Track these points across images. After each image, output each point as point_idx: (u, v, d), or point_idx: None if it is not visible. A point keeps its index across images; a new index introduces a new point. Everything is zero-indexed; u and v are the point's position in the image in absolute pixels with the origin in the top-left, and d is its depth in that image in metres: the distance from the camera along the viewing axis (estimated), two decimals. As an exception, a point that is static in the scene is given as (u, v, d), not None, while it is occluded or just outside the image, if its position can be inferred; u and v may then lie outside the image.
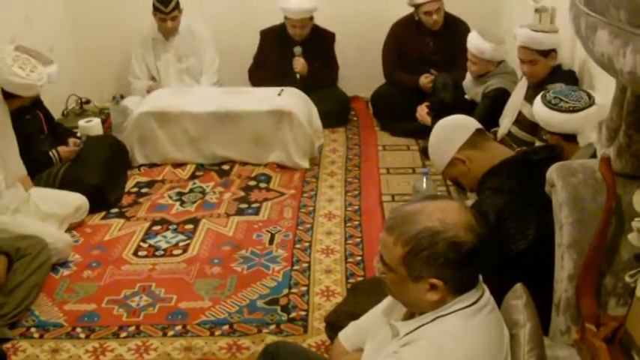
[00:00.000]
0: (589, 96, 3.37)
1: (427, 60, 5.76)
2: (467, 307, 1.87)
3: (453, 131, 2.98)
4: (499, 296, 2.04)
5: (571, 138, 3.44)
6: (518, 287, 2.12)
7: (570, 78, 4.20)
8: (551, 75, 4.21)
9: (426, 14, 5.65)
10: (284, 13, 5.84)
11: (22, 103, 4.27)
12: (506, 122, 4.45)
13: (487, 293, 1.93)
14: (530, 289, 2.11)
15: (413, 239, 1.83)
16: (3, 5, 5.25)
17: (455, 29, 5.68)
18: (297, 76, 5.83)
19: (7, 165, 4.07)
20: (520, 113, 4.30)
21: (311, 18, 5.88)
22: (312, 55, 5.91)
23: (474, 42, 4.92)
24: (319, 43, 5.99)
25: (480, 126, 3.00)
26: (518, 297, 2.07)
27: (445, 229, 1.82)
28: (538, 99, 3.47)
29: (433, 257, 1.82)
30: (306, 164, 5.12)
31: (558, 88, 3.54)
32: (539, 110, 3.44)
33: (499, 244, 2.57)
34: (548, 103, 3.39)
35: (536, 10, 4.93)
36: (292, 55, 5.86)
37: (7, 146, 4.13)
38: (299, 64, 5.83)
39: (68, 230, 4.24)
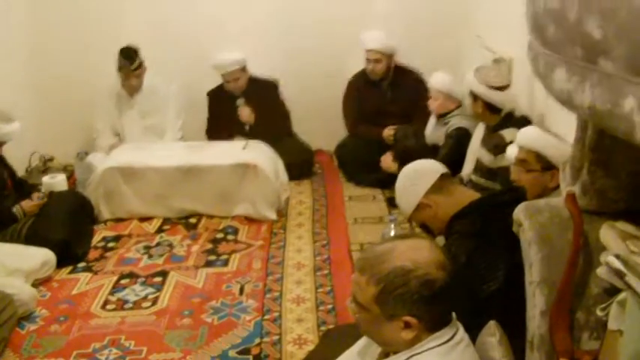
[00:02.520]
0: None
1: (385, 111, 5.86)
2: (442, 344, 1.88)
3: (418, 176, 3.03)
4: (472, 336, 2.05)
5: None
6: (492, 325, 2.14)
7: (523, 124, 4.26)
8: (505, 120, 4.26)
9: (367, 61, 5.81)
10: (216, 70, 5.93)
11: None
12: (467, 170, 4.51)
13: (461, 330, 1.95)
14: (503, 328, 2.13)
15: (385, 278, 1.85)
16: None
17: (407, 79, 5.82)
18: (246, 126, 5.87)
19: None
20: (478, 160, 4.35)
21: (243, 69, 5.95)
22: (257, 104, 5.93)
23: (436, 76, 5.03)
24: (260, 92, 6.03)
25: (445, 170, 3.05)
26: (492, 334, 2.10)
27: (417, 267, 1.84)
28: (538, 131, 3.34)
29: (406, 295, 1.83)
30: (273, 216, 5.13)
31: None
32: (548, 139, 3.25)
33: (470, 285, 2.60)
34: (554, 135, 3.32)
35: (495, 61, 5.04)
36: (235, 107, 5.92)
37: None
38: (244, 113, 5.88)
39: (35, 285, 4.17)
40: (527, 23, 1.80)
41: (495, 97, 4.22)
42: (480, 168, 4.29)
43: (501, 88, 4.23)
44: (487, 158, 4.19)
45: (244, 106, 5.89)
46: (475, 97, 4.29)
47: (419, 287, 1.83)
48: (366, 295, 1.89)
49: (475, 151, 4.43)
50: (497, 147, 4.13)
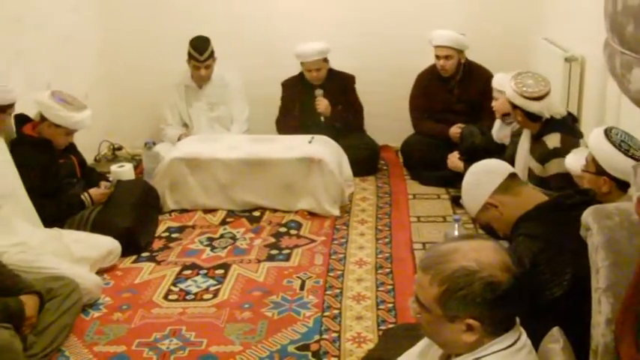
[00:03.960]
0: None
1: (452, 109, 5.82)
2: (504, 349, 1.84)
3: (485, 176, 2.97)
4: (534, 342, 2.01)
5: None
6: (555, 331, 2.09)
7: (566, 125, 4.17)
8: (547, 126, 4.18)
9: (437, 58, 5.76)
10: (298, 59, 5.92)
11: (5, 121, 4.28)
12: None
13: (524, 336, 1.91)
14: (566, 335, 2.08)
15: (448, 278, 1.82)
16: (39, 52, 5.35)
17: (476, 77, 5.74)
18: (322, 118, 5.87)
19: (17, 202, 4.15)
20: (530, 170, 4.26)
21: (325, 60, 5.94)
22: (333, 97, 5.94)
23: (497, 77, 4.95)
24: (338, 85, 6.04)
25: (512, 170, 2.99)
26: (556, 341, 2.05)
27: (481, 269, 1.81)
28: (601, 136, 3.25)
29: (469, 297, 1.80)
30: (336, 212, 5.12)
31: (620, 131, 3.38)
32: (604, 147, 3.21)
33: (534, 290, 2.54)
34: (617, 145, 3.25)
35: (566, 60, 4.95)
36: (314, 98, 5.90)
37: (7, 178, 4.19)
38: (322, 104, 5.87)
39: (99, 273, 4.24)
40: (605, 21, 1.74)
41: (533, 106, 4.13)
42: (532, 177, 4.21)
43: (539, 98, 4.14)
44: (537, 168, 4.12)
45: (322, 97, 5.89)
46: (514, 106, 4.22)
47: (483, 289, 1.80)
48: (428, 295, 1.86)
49: (523, 158, 4.35)
50: (542, 155, 4.07)
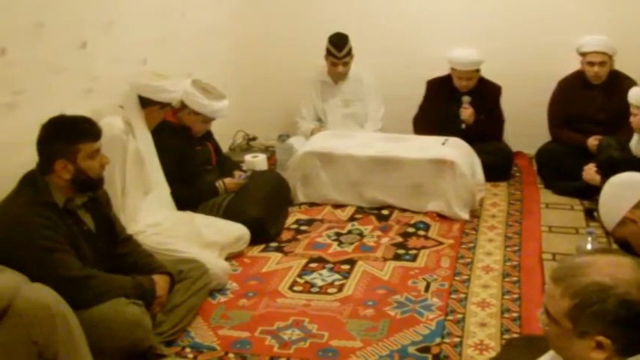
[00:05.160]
0: None
1: (593, 118, 5.63)
2: (635, 371, 1.78)
3: (624, 189, 2.88)
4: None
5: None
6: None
7: None
8: None
9: (589, 64, 5.57)
10: (451, 65, 5.85)
11: (159, 117, 4.38)
12: None
13: (658, 360, 1.83)
14: None
15: (581, 292, 1.76)
16: (181, 43, 5.52)
17: (622, 86, 5.49)
18: (463, 125, 5.80)
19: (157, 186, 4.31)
20: None
21: (477, 70, 5.85)
22: (478, 107, 5.86)
23: (633, 91, 4.76)
24: (485, 95, 5.95)
25: (653, 186, 2.89)
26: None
27: (616, 285, 1.74)
28: None
29: (602, 313, 1.74)
30: (466, 216, 5.05)
31: None
32: None
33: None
34: None
35: None
36: (459, 104, 5.84)
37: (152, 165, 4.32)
38: (467, 112, 5.80)
39: (228, 259, 4.35)
40: None
41: None
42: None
43: None
44: None
45: (469, 105, 5.83)
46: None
47: (617, 307, 1.73)
48: (558, 307, 1.81)
49: None
50: None
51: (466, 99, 5.82)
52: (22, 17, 3.76)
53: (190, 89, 4.61)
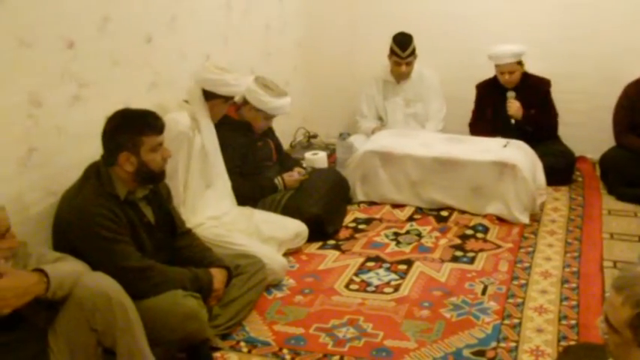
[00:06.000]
0: None
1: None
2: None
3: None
4: None
5: None
6: None
7: None
8: None
9: None
10: (491, 61, 5.80)
11: (223, 111, 4.41)
12: None
13: None
14: None
15: (643, 302, 1.75)
16: (244, 39, 5.57)
17: None
18: (512, 120, 5.74)
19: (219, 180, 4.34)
20: None
21: (519, 63, 5.78)
22: (527, 100, 5.77)
23: None
24: (532, 89, 5.85)
25: None
26: None
27: (680, 296, 1.72)
28: None
29: (663, 324, 1.72)
30: (525, 219, 4.99)
31: None
32: None
33: None
34: None
35: None
36: (505, 100, 5.78)
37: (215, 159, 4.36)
38: (513, 106, 5.73)
39: (285, 255, 4.37)
40: None
41: None
42: None
43: None
44: None
45: (514, 100, 5.77)
46: None
47: (678, 318, 1.70)
48: (619, 316, 1.78)
49: None
50: None
51: (511, 94, 5.77)
52: (90, 11, 3.83)
53: (252, 86, 4.64)
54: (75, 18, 3.71)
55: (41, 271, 2.73)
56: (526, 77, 5.87)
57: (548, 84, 5.92)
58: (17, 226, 2.97)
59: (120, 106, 3.43)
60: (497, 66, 5.82)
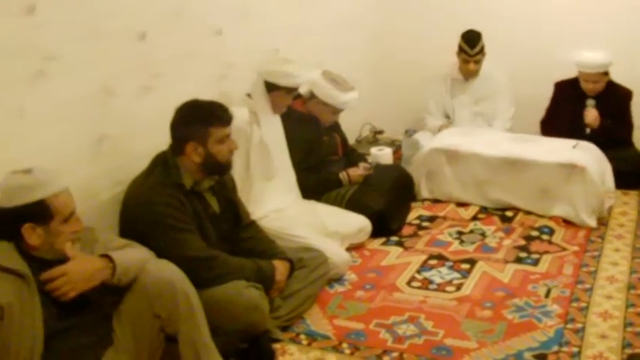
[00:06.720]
0: None
1: None
2: None
3: None
4: None
5: None
6: None
7: None
8: None
9: None
10: (578, 67, 5.68)
11: (286, 103, 4.40)
12: None
13: None
14: None
15: None
16: (313, 33, 5.60)
17: None
18: (587, 129, 5.63)
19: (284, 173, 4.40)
20: None
21: (605, 73, 5.66)
22: (605, 110, 5.63)
23: None
24: (613, 99, 5.71)
25: None
26: None
27: None
28: None
29: None
30: (592, 223, 4.89)
31: None
32: None
33: None
34: None
35: None
36: (584, 107, 5.67)
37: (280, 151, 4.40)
38: (591, 115, 5.60)
39: (348, 249, 4.38)
40: None
41: None
42: None
43: None
44: None
45: (593, 108, 5.65)
46: None
47: None
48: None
49: None
50: None
51: (590, 102, 5.64)
52: (162, 3, 3.90)
53: (320, 80, 4.66)
54: (147, 10, 3.78)
55: (107, 257, 2.79)
56: (609, 86, 5.74)
57: (629, 95, 5.77)
58: (86, 212, 3.05)
59: (189, 98, 3.47)
60: (581, 73, 5.71)
